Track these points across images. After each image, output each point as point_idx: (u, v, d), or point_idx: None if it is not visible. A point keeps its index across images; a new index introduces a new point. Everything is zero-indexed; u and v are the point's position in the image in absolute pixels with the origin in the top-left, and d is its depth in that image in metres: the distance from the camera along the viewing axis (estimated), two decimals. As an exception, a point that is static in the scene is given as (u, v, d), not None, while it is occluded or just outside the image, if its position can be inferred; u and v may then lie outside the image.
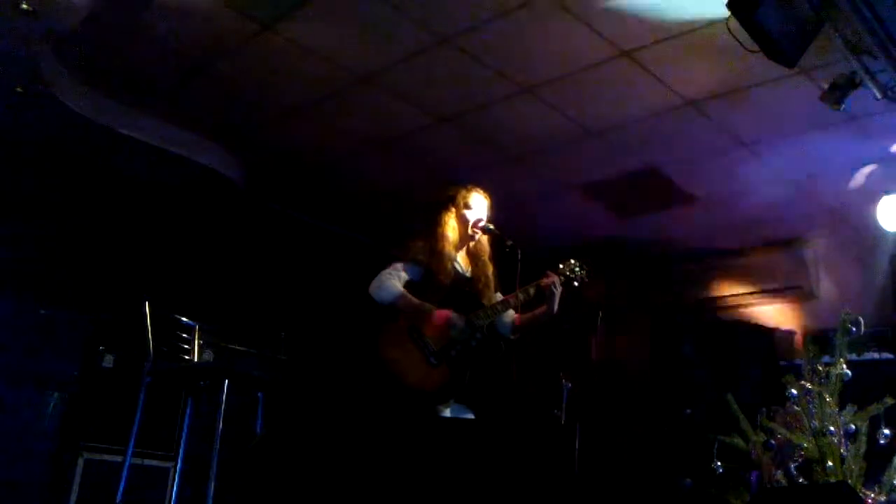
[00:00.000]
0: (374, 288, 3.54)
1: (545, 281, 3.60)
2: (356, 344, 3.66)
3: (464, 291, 3.63)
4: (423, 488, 3.18)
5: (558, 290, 3.61)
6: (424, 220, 3.75)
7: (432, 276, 3.57)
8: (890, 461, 3.47)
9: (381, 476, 3.24)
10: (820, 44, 3.56)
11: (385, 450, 3.34)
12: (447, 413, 3.52)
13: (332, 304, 6.30)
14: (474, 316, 3.55)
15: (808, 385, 3.61)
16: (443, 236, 3.65)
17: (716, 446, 3.86)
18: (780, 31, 3.40)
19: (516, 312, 3.74)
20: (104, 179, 5.74)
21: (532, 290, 3.58)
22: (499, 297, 3.70)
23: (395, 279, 3.54)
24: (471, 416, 3.59)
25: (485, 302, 3.64)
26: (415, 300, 3.51)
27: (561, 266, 3.72)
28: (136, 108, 5.41)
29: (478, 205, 3.76)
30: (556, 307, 3.63)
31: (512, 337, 3.76)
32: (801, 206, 6.04)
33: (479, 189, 3.82)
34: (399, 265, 3.60)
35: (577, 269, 3.73)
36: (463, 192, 3.77)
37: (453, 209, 3.74)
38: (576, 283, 3.72)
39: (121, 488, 3.89)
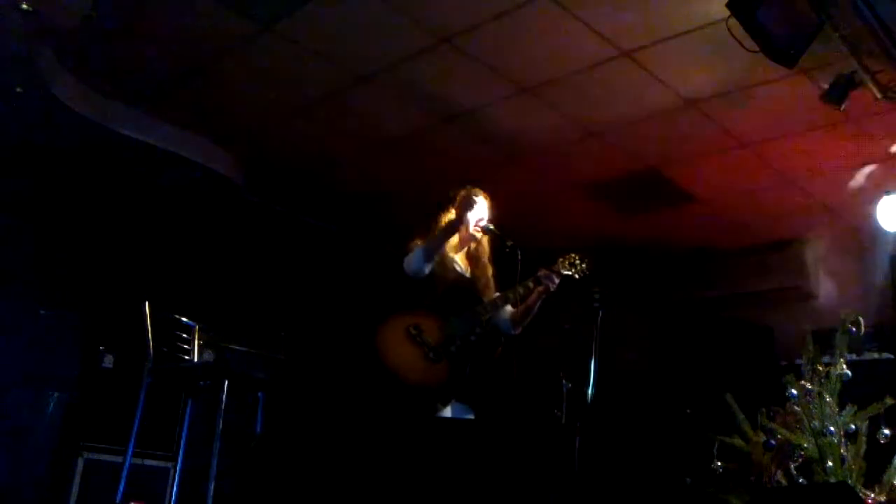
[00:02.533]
0: (406, 266, 3.55)
1: (542, 272, 3.60)
2: (354, 344, 3.65)
3: (464, 291, 3.63)
4: (423, 488, 3.18)
5: (555, 284, 3.61)
6: (424, 222, 3.74)
7: (433, 277, 3.56)
8: (890, 461, 3.47)
9: (381, 476, 3.24)
10: (820, 44, 3.56)
11: (385, 450, 3.34)
12: (448, 413, 3.51)
13: (331, 304, 6.30)
14: (474, 312, 3.55)
15: (808, 385, 3.61)
16: None
17: (716, 446, 3.86)
18: (780, 31, 3.40)
19: (514, 308, 3.73)
20: (104, 179, 5.74)
21: (531, 284, 3.59)
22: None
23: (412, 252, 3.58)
24: (471, 416, 3.59)
25: (485, 302, 3.64)
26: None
27: (561, 259, 3.71)
28: (137, 108, 5.41)
29: (478, 205, 3.75)
30: (544, 295, 3.65)
31: (514, 332, 3.75)
32: (801, 206, 6.04)
33: (478, 189, 3.81)
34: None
35: (578, 262, 3.71)
36: (463, 193, 3.77)
37: (453, 210, 3.73)
38: (577, 276, 3.70)
39: (121, 488, 3.89)
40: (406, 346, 3.47)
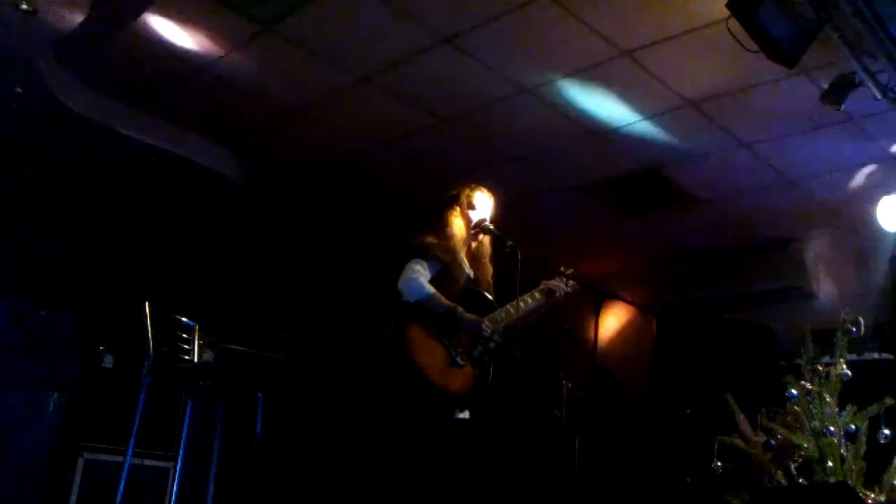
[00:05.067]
0: (403, 283, 3.46)
1: (550, 286, 3.59)
2: (380, 338, 3.55)
3: (476, 293, 3.62)
4: (424, 488, 3.17)
5: (561, 296, 3.60)
6: (430, 219, 3.72)
7: (449, 275, 3.54)
8: (890, 461, 3.47)
9: (382, 476, 3.24)
10: (820, 44, 3.56)
11: (385, 449, 3.33)
12: (461, 416, 3.51)
13: (332, 304, 6.29)
14: (492, 319, 3.54)
15: (808, 385, 3.61)
16: (452, 235, 3.62)
17: (716, 446, 3.86)
18: (780, 31, 3.40)
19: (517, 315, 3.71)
20: (104, 179, 5.74)
21: (538, 295, 3.57)
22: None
23: (423, 277, 3.47)
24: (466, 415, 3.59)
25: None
26: (446, 301, 3.45)
27: (565, 269, 3.74)
28: (136, 108, 5.41)
29: (482, 204, 3.73)
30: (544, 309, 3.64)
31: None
32: (801, 206, 6.04)
33: (483, 188, 3.79)
34: (422, 262, 3.52)
35: (571, 276, 3.74)
36: (467, 192, 3.75)
37: (458, 208, 3.72)
38: (570, 290, 3.74)
39: (121, 488, 3.89)
40: (434, 349, 3.42)
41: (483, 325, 3.46)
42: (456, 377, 3.42)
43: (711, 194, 6.05)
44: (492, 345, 3.52)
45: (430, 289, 3.45)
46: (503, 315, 3.57)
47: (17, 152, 5.36)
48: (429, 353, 3.38)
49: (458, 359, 3.43)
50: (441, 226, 3.65)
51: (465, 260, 3.73)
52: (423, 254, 3.54)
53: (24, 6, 4.00)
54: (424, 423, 3.38)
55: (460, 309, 3.46)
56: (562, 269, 3.74)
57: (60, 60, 4.84)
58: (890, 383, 3.76)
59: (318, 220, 7.00)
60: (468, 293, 3.57)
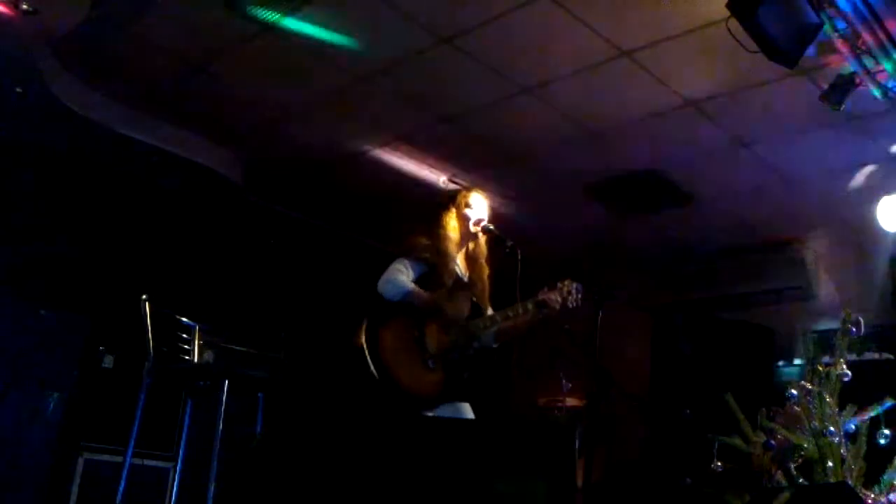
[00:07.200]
0: (382, 284, 3.48)
1: (544, 297, 3.51)
2: (351, 342, 3.58)
3: (465, 296, 3.58)
4: (423, 488, 3.18)
5: (558, 307, 3.48)
6: (425, 220, 3.73)
7: (436, 276, 3.53)
8: (890, 461, 3.47)
9: (380, 476, 3.24)
10: (820, 44, 3.56)
11: (384, 450, 3.33)
12: (448, 412, 3.49)
13: (332, 305, 6.29)
14: (474, 325, 3.52)
15: (808, 385, 3.61)
16: (446, 237, 3.61)
17: (716, 446, 3.86)
18: (780, 31, 3.40)
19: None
20: (104, 179, 5.74)
21: (531, 306, 3.47)
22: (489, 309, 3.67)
23: (403, 275, 3.49)
24: (470, 415, 3.58)
25: (481, 307, 3.62)
26: (426, 295, 3.46)
27: (559, 285, 3.54)
28: (136, 108, 5.41)
29: (478, 205, 3.74)
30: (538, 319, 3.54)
31: (494, 345, 3.69)
32: (801, 206, 6.04)
33: (479, 190, 3.82)
34: (405, 261, 3.54)
35: (574, 291, 3.53)
36: (463, 192, 3.77)
37: (454, 209, 3.72)
38: (570, 306, 3.53)
39: (121, 488, 3.89)
40: (407, 350, 3.43)
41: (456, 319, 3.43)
42: (426, 379, 3.42)
43: (712, 194, 6.05)
44: (470, 352, 3.51)
45: (410, 285, 3.46)
46: (487, 322, 3.54)
47: (17, 152, 5.36)
48: (400, 355, 3.39)
49: (430, 362, 3.43)
50: (435, 227, 3.65)
51: (462, 261, 3.73)
52: (408, 254, 3.56)
53: (24, 6, 4.00)
54: (413, 422, 3.37)
55: (440, 298, 3.44)
56: (560, 284, 3.54)
57: (60, 60, 4.84)
58: (890, 383, 3.76)
59: (319, 221, 7.00)
60: (455, 295, 3.55)
